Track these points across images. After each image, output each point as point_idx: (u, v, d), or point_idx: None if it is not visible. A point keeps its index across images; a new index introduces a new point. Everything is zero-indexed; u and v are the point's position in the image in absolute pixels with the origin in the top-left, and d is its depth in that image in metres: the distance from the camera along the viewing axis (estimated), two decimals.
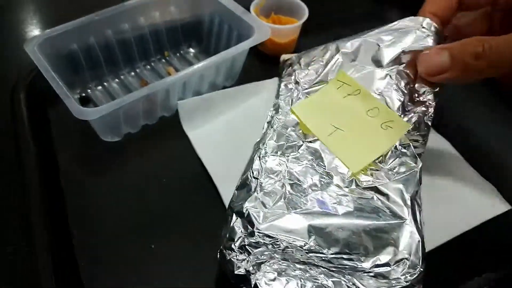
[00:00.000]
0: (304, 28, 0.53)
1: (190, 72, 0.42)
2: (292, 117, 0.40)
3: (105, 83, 0.49)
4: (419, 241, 0.32)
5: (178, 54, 0.53)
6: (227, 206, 0.39)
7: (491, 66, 0.34)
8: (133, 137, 0.45)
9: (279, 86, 0.43)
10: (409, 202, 0.34)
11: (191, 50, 0.54)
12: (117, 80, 0.50)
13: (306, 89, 0.41)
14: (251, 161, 0.38)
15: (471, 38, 0.34)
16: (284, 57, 0.47)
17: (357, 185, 0.35)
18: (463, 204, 0.40)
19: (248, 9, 0.50)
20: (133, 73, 0.51)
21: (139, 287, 0.35)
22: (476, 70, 0.34)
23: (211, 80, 0.47)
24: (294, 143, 0.38)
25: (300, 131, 0.38)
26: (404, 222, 0.33)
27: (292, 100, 0.41)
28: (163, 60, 0.52)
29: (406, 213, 0.33)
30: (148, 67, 0.52)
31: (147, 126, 0.46)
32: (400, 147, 0.36)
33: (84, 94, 0.48)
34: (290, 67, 0.45)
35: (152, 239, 0.38)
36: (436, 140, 0.45)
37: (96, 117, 0.38)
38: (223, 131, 0.46)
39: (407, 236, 0.32)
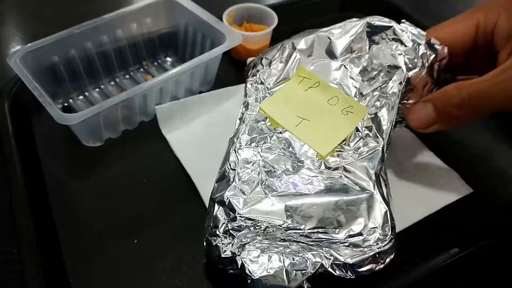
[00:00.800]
0: (275, 35, 0.56)
1: (166, 77, 0.45)
2: (260, 113, 0.43)
3: (86, 93, 0.52)
4: (386, 211, 0.35)
5: (155, 63, 0.56)
6: (205, 201, 0.41)
7: (473, 113, 0.35)
8: (114, 142, 0.48)
9: (245, 86, 0.46)
10: (374, 177, 0.37)
11: (168, 59, 0.57)
12: (97, 89, 0.52)
13: (271, 88, 0.44)
14: (227, 155, 0.40)
15: (451, 86, 0.36)
16: (249, 60, 0.50)
17: (326, 167, 0.38)
18: (429, 189, 0.43)
19: (221, 19, 0.53)
20: (112, 83, 0.53)
21: (124, 282, 0.37)
22: (461, 119, 0.36)
23: (187, 85, 0.50)
24: (265, 135, 0.41)
25: (270, 124, 0.41)
26: (371, 194, 0.36)
27: (260, 98, 0.44)
28: (141, 69, 0.55)
29: (372, 186, 0.36)
30: (127, 76, 0.54)
31: (127, 131, 0.48)
32: (363, 129, 0.40)
33: (66, 104, 0.50)
34: (254, 68, 0.48)
35: (135, 235, 0.40)
36: (401, 131, 0.48)
37: (76, 122, 0.40)
38: (199, 132, 0.48)
39: (376, 207, 0.35)
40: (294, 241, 0.34)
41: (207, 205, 0.41)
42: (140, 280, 0.37)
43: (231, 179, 0.38)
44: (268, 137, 0.40)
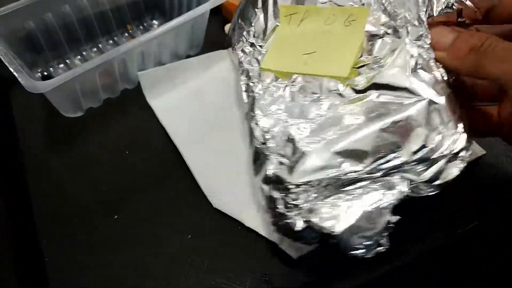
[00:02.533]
0: None
1: (146, 39, 0.41)
2: (265, 74, 0.38)
3: (68, 61, 0.48)
4: (436, 107, 0.30)
5: (141, 27, 0.52)
6: (193, 172, 0.39)
7: (477, 67, 0.29)
8: (96, 111, 0.45)
9: (237, 54, 0.41)
10: (411, 78, 0.31)
11: (155, 22, 0.53)
12: (79, 57, 0.49)
13: (263, 45, 0.39)
14: (250, 132, 0.36)
15: (485, 31, 0.30)
16: (227, 27, 0.46)
17: (356, 92, 0.33)
18: None
19: None
20: (95, 49, 0.50)
21: (103, 258, 0.35)
22: (465, 65, 0.30)
23: (172, 49, 0.46)
24: (279, 93, 0.36)
25: (279, 80, 0.37)
26: (418, 100, 0.31)
27: (257, 60, 0.39)
28: (126, 34, 0.51)
29: (415, 89, 0.31)
30: (111, 41, 0.50)
31: (110, 100, 0.45)
32: (381, 30, 0.34)
33: (46, 73, 0.47)
34: (233, 32, 0.43)
35: (116, 210, 0.38)
36: None
37: (48, 90, 0.37)
38: (187, 99, 0.45)
39: (424, 111, 0.30)
40: (359, 180, 0.31)
41: (196, 179, 0.38)
42: (121, 257, 0.35)
43: (267, 154, 0.33)
44: (282, 94, 0.36)
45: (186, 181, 0.39)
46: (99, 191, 0.39)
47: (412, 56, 0.32)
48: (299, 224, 0.30)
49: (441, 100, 0.30)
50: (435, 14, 0.32)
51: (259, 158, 0.34)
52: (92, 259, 0.35)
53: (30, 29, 0.45)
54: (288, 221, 0.30)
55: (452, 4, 0.31)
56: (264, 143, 0.34)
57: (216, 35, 0.50)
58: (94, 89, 0.42)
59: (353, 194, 0.30)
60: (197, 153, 0.40)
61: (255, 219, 0.36)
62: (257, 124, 0.35)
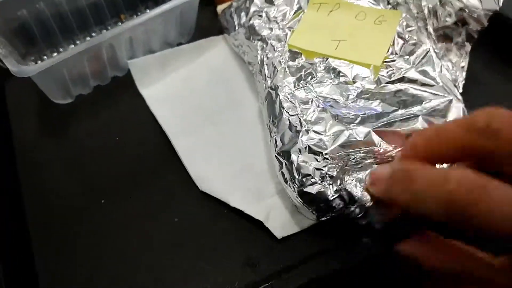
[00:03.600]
0: None
1: (134, 23, 0.41)
2: (291, 51, 0.39)
3: (61, 49, 0.49)
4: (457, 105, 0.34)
5: (135, 17, 0.52)
6: (183, 161, 0.39)
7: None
8: (86, 98, 0.45)
9: (250, 27, 0.42)
10: (439, 79, 0.35)
11: (148, 11, 0.53)
12: (72, 46, 0.49)
13: (287, 23, 0.41)
14: (277, 106, 0.36)
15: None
16: (221, 7, 0.47)
17: (387, 82, 0.36)
18: None
19: None
20: (88, 38, 0.50)
21: (92, 244, 0.35)
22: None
23: (161, 36, 0.46)
24: (309, 70, 0.37)
25: (305, 59, 0.38)
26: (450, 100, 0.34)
27: (280, 38, 0.40)
28: (120, 24, 0.51)
29: (441, 90, 0.35)
30: (105, 31, 0.51)
31: (100, 87, 0.45)
32: (405, 33, 0.38)
33: (39, 61, 0.48)
34: (243, 12, 0.44)
35: (105, 196, 0.38)
36: None
37: (35, 73, 0.38)
38: (178, 87, 0.45)
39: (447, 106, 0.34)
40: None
41: (184, 164, 0.38)
42: (110, 243, 0.35)
43: (298, 125, 0.34)
44: (313, 71, 0.37)
45: (176, 168, 0.39)
46: (88, 178, 0.39)
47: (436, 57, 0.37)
48: (330, 192, 0.31)
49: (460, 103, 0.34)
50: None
51: (292, 126, 0.34)
52: (81, 245, 0.35)
53: (23, 18, 0.45)
54: (322, 190, 0.31)
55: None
56: (294, 115, 0.34)
57: (208, 22, 0.50)
58: (83, 75, 0.43)
59: None
60: (186, 141, 0.40)
61: (240, 200, 0.36)
62: (286, 97, 0.36)
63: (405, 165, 0.24)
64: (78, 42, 0.50)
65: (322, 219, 0.32)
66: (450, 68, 0.38)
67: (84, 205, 0.37)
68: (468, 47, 0.40)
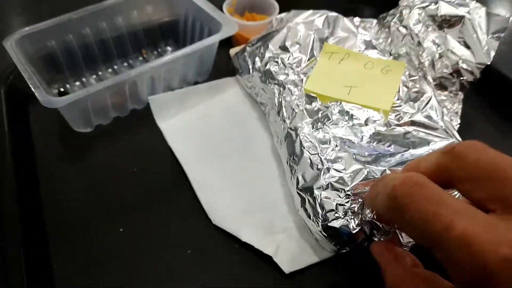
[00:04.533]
0: None
1: (157, 64, 0.44)
2: (307, 95, 0.43)
3: (84, 79, 0.51)
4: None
5: (155, 52, 0.55)
6: (196, 191, 0.41)
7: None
8: (105, 128, 0.47)
9: (267, 72, 0.46)
10: (442, 123, 0.39)
11: (168, 48, 0.56)
12: (95, 76, 0.52)
13: (303, 69, 0.45)
14: (298, 145, 0.39)
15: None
16: (234, 50, 0.50)
17: (396, 125, 0.40)
18: None
19: (221, 9, 0.52)
20: (110, 70, 0.53)
21: (106, 267, 0.37)
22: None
23: (181, 75, 0.49)
24: (325, 112, 0.41)
25: (321, 103, 0.42)
26: (443, 137, 0.38)
27: (296, 83, 0.44)
28: (141, 58, 0.54)
29: (444, 133, 0.39)
30: (126, 64, 0.54)
31: (119, 118, 0.48)
32: (409, 82, 0.43)
33: (62, 90, 0.50)
34: (257, 57, 0.47)
35: (122, 223, 0.40)
36: None
37: (62, 105, 0.40)
38: (194, 123, 0.48)
39: None
40: None
41: (198, 196, 0.41)
42: (124, 268, 0.37)
43: (319, 164, 0.36)
44: (328, 114, 0.40)
45: (189, 199, 0.41)
46: (106, 203, 0.41)
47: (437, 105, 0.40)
48: (353, 225, 0.33)
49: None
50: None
51: (314, 165, 0.37)
52: (96, 268, 0.37)
53: (52, 48, 0.48)
54: (344, 223, 0.33)
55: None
56: (315, 154, 0.37)
57: (224, 64, 0.53)
58: (104, 107, 0.45)
59: None
60: (200, 173, 0.43)
61: (250, 234, 0.38)
62: (306, 137, 0.39)
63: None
64: (100, 73, 0.52)
65: (342, 251, 0.34)
66: (445, 113, 0.42)
67: (101, 229, 0.39)
68: (461, 95, 0.44)
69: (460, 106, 0.44)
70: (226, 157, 0.44)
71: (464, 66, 0.43)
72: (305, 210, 0.36)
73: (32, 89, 0.41)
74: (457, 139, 0.38)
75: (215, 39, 0.46)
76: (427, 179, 0.23)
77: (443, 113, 0.40)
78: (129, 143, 0.46)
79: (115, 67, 0.53)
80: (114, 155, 0.45)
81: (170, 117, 0.48)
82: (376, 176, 0.35)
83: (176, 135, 0.46)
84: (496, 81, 0.48)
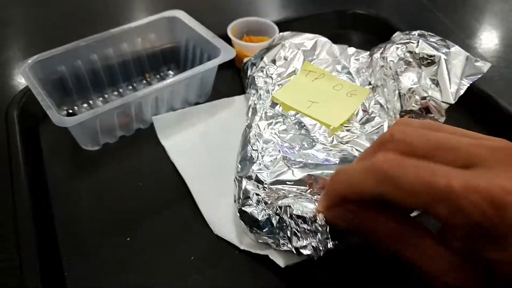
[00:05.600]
0: None
1: (160, 86, 0.47)
2: (272, 102, 0.48)
3: (91, 101, 0.55)
4: None
5: (158, 76, 0.59)
6: (198, 205, 0.44)
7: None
8: (112, 147, 0.50)
9: (252, 79, 0.52)
10: None
11: (170, 72, 0.60)
12: (101, 98, 0.55)
13: (279, 81, 0.50)
14: (247, 141, 0.44)
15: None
16: (245, 59, 0.56)
17: (338, 141, 0.44)
18: None
19: (226, 34, 0.57)
20: (116, 93, 0.56)
21: (118, 279, 0.39)
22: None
23: (183, 96, 0.52)
24: (280, 118, 0.46)
25: (282, 109, 0.47)
26: None
27: (270, 90, 0.50)
28: (144, 81, 0.58)
29: None
30: (130, 87, 0.57)
31: (124, 137, 0.51)
32: (370, 108, 0.47)
33: (71, 111, 0.54)
34: (255, 66, 0.53)
35: (129, 233, 0.42)
36: None
37: (72, 125, 0.43)
38: (196, 140, 0.51)
39: None
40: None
41: (200, 208, 0.43)
42: (131, 276, 0.39)
43: (255, 158, 0.42)
44: (282, 120, 0.46)
45: (191, 210, 0.44)
46: (113, 216, 0.44)
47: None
48: (262, 216, 0.37)
49: None
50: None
51: (245, 160, 0.43)
52: (106, 274, 0.39)
53: (62, 73, 0.52)
54: (254, 211, 0.38)
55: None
56: (256, 150, 0.43)
57: (223, 86, 0.57)
58: (111, 126, 0.48)
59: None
60: (202, 187, 0.45)
61: (248, 243, 0.40)
62: (255, 135, 0.44)
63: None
64: (106, 96, 0.56)
65: (260, 240, 0.38)
66: None
67: (109, 239, 0.42)
68: None
69: None
70: (225, 172, 0.47)
71: (432, 103, 0.45)
72: (234, 196, 0.41)
73: (45, 110, 0.44)
74: None
75: (215, 63, 0.50)
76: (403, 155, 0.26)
77: None
78: (134, 160, 0.49)
79: (120, 90, 0.57)
80: (120, 171, 0.48)
81: (173, 136, 0.51)
82: (294, 178, 0.40)
83: (179, 152, 0.49)
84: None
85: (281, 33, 0.57)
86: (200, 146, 0.50)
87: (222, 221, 0.43)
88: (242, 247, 0.40)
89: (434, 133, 0.27)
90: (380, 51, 0.50)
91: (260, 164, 0.41)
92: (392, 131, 0.28)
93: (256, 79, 0.51)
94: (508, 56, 0.66)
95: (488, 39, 0.70)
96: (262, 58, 0.53)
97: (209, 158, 0.49)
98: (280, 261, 0.38)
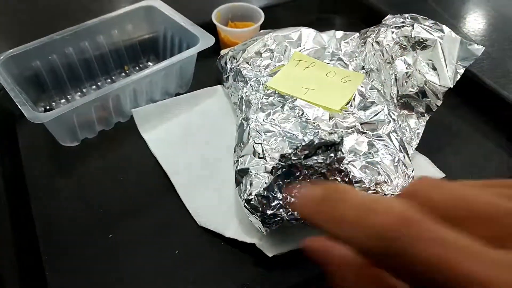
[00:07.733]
0: None
1: (138, 77, 0.46)
2: (266, 91, 0.46)
3: (69, 97, 0.53)
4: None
5: (137, 68, 0.57)
6: (181, 196, 0.43)
7: None
8: (91, 142, 0.49)
9: (237, 71, 0.50)
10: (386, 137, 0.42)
11: (150, 63, 0.58)
12: (79, 93, 0.54)
13: (269, 72, 0.49)
14: (246, 134, 0.42)
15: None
16: (224, 51, 0.54)
17: (339, 126, 0.42)
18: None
19: (208, 22, 0.56)
20: (94, 87, 0.55)
21: (99, 274, 0.38)
22: None
23: (162, 87, 0.51)
24: (278, 107, 0.43)
25: (279, 98, 0.45)
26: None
27: (259, 81, 0.47)
28: (123, 74, 0.56)
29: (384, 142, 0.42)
30: (109, 80, 0.56)
31: (104, 132, 0.50)
32: (367, 93, 0.45)
33: (48, 107, 0.52)
34: (235, 59, 0.51)
35: (111, 229, 0.41)
36: None
37: (48, 120, 0.42)
38: (178, 132, 0.50)
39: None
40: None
41: (183, 200, 0.43)
42: (114, 272, 0.38)
43: (260, 151, 0.39)
44: (280, 108, 0.43)
45: (174, 203, 0.43)
46: (95, 212, 0.43)
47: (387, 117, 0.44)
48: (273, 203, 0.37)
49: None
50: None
51: (249, 154, 0.40)
52: (88, 272, 0.38)
53: (37, 68, 0.50)
54: (264, 201, 0.37)
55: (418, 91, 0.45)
56: (259, 143, 0.40)
57: (204, 76, 0.56)
58: (90, 121, 0.47)
59: None
60: (184, 179, 0.45)
61: (234, 230, 0.40)
62: (255, 128, 0.41)
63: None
64: (84, 90, 0.54)
65: (267, 228, 0.37)
66: (407, 131, 0.45)
67: (91, 236, 0.41)
68: (427, 117, 0.46)
69: (423, 128, 0.45)
70: (208, 163, 0.46)
71: (429, 87, 0.45)
72: (239, 188, 0.39)
73: (19, 106, 0.42)
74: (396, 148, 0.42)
75: (193, 51, 0.49)
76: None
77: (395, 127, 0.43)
78: (115, 155, 0.48)
79: (99, 83, 0.55)
80: (101, 166, 0.47)
81: (153, 128, 0.50)
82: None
83: (160, 145, 0.48)
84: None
85: (261, 31, 0.55)
86: (182, 138, 0.49)
87: (207, 212, 0.42)
88: (228, 235, 0.39)
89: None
90: (374, 35, 0.49)
91: (266, 157, 0.39)
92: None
93: (242, 71, 0.49)
94: (491, 35, 0.65)
95: (472, 18, 0.69)
96: (244, 51, 0.51)
97: (191, 150, 0.47)
98: (268, 251, 0.38)
